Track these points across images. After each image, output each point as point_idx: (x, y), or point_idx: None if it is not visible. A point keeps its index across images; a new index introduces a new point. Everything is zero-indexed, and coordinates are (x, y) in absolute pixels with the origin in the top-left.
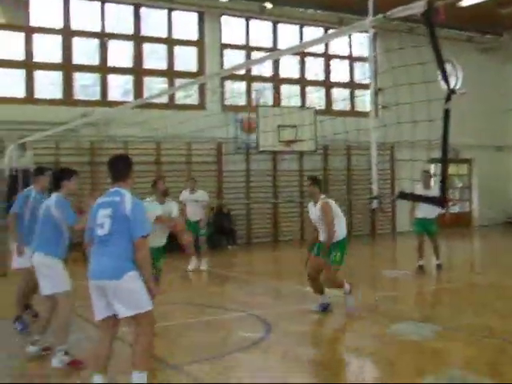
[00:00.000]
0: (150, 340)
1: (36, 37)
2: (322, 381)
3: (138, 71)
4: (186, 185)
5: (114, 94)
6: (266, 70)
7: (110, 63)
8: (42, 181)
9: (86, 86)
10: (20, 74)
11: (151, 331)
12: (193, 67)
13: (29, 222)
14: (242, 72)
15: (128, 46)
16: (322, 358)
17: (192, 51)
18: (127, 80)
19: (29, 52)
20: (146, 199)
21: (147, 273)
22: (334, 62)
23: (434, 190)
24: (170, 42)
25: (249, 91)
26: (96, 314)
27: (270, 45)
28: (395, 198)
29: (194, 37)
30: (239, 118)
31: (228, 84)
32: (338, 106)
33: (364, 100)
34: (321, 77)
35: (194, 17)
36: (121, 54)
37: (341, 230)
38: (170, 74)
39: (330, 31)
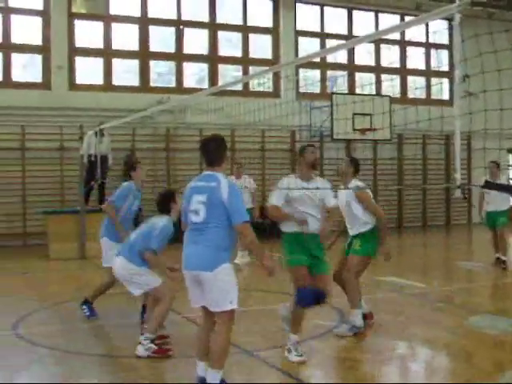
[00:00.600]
0: (229, 338)
1: (114, 25)
2: (394, 370)
3: (213, 59)
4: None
5: (189, 82)
6: (340, 57)
7: (186, 51)
8: (139, 175)
9: (161, 73)
10: (99, 62)
11: (230, 329)
12: (267, 55)
13: (123, 217)
14: (317, 59)
15: (203, 34)
16: (394, 347)
17: (266, 39)
18: (202, 67)
19: (107, 40)
20: None
21: (260, 254)
22: (410, 49)
23: (502, 181)
24: (245, 30)
25: (323, 79)
26: (192, 302)
27: (344, 32)
28: (481, 187)
29: (269, 24)
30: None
31: (302, 71)
32: (414, 94)
33: (440, 88)
34: (396, 64)
35: (268, 4)
36: (196, 41)
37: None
38: (245, 61)
39: (407, 17)
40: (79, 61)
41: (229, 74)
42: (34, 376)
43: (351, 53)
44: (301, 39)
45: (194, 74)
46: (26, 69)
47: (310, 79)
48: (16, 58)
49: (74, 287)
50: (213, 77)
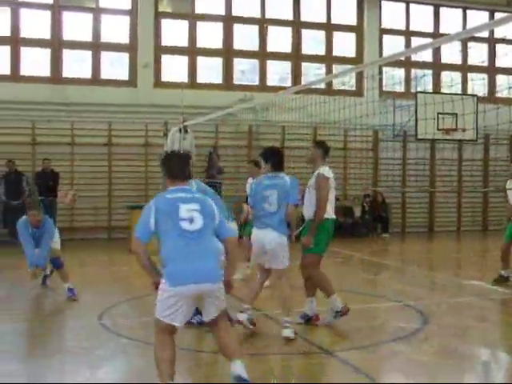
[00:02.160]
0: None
1: (199, 24)
2: (480, 380)
3: (296, 57)
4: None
5: (272, 80)
6: (426, 55)
7: (270, 49)
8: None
9: (245, 71)
10: (184, 60)
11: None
12: (351, 53)
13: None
14: (401, 58)
15: (287, 32)
16: (477, 354)
17: (350, 37)
18: (285, 66)
19: (192, 39)
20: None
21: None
22: (499, 47)
23: None
24: (329, 28)
25: (408, 77)
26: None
27: (430, 29)
28: None
29: (353, 22)
30: None
31: (386, 70)
32: (503, 93)
33: None
34: (484, 62)
35: (353, 2)
36: (280, 39)
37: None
38: (328, 59)
39: (497, 14)
40: (165, 59)
41: (312, 72)
42: (118, 367)
43: (437, 51)
44: (385, 37)
45: (277, 72)
46: (114, 67)
47: (393, 78)
48: (105, 56)
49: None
50: (296, 75)
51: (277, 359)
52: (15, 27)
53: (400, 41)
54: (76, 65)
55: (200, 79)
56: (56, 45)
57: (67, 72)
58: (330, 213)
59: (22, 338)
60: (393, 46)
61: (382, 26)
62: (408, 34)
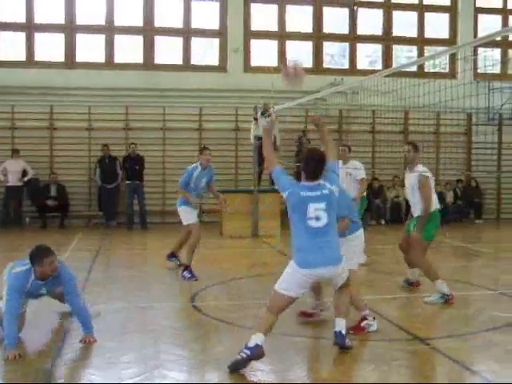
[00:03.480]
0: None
1: (288, 7)
2: None
3: (387, 39)
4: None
5: (362, 63)
6: None
7: (360, 32)
8: None
9: (335, 55)
10: (273, 44)
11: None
12: (444, 34)
13: None
14: (498, 38)
15: (377, 14)
16: None
17: (444, 17)
18: (376, 48)
19: (281, 23)
20: None
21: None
22: None
23: None
24: (421, 9)
25: (504, 58)
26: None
27: None
28: None
29: (447, 2)
30: None
31: (481, 51)
32: None
33: None
34: None
35: None
36: (370, 22)
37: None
38: (420, 41)
39: None
40: (254, 43)
41: (403, 55)
42: (209, 347)
43: None
44: (481, 16)
45: (368, 56)
46: (205, 52)
47: (489, 59)
48: (195, 42)
49: (246, 265)
50: (386, 58)
51: (368, 345)
52: (109, 16)
53: (497, 20)
54: (168, 51)
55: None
56: (148, 31)
57: (159, 58)
58: (435, 204)
59: (118, 318)
60: (489, 25)
61: (478, 5)
62: (505, 12)
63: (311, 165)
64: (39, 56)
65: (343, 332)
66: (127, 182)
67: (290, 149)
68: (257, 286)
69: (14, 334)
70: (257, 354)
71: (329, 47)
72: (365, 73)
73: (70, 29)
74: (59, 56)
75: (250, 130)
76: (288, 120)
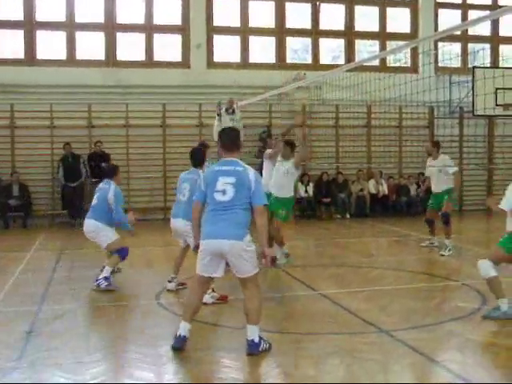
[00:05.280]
0: (261, 297)
1: (251, 3)
2: None
3: (349, 34)
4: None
5: (325, 58)
6: (483, 29)
7: (322, 27)
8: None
9: (297, 49)
10: (236, 40)
11: (259, 291)
12: (406, 28)
13: None
14: (457, 32)
15: (340, 9)
16: None
17: (405, 12)
18: (339, 43)
19: (244, 18)
20: None
21: (264, 238)
22: None
23: None
24: (382, 4)
25: (464, 52)
26: (200, 270)
27: (488, 2)
28: None
29: None
30: None
31: (442, 45)
32: None
33: None
34: None
35: None
36: (332, 16)
37: None
38: (382, 36)
39: None
40: (217, 39)
41: (365, 50)
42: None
43: (495, 24)
44: (441, 11)
45: (330, 50)
46: (166, 48)
47: (449, 53)
48: (157, 38)
49: None
50: (349, 52)
51: (333, 339)
52: (70, 12)
53: (456, 15)
54: (130, 47)
55: (252, 59)
56: (110, 28)
57: (121, 55)
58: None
59: (82, 317)
60: (449, 20)
61: (438, 0)
62: (465, 6)
63: (226, 139)
64: None
65: (256, 340)
66: (93, 179)
67: (253, 144)
68: (223, 283)
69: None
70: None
71: (292, 42)
72: (328, 67)
73: (30, 25)
74: (19, 53)
75: (213, 126)
76: (252, 116)
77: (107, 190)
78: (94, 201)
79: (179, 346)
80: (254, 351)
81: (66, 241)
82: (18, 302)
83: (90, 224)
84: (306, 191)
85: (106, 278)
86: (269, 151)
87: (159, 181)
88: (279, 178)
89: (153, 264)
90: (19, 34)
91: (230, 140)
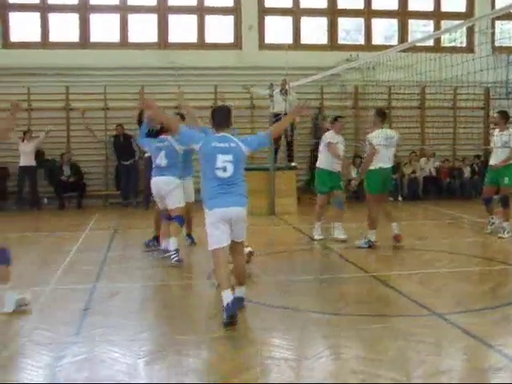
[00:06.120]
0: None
1: None
2: None
3: (402, 14)
4: None
5: (377, 38)
6: None
7: (375, 7)
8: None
9: (349, 30)
10: (287, 21)
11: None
12: (461, 7)
13: None
14: None
15: None
16: None
17: None
18: (392, 23)
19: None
20: None
21: (285, 124)
22: None
23: None
24: None
25: None
26: (216, 242)
27: None
28: None
29: None
30: None
31: (499, 24)
32: None
33: None
34: None
35: None
36: None
37: None
38: (437, 15)
39: None
40: (268, 20)
41: (419, 30)
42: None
43: None
44: None
45: (383, 31)
46: (219, 30)
47: (507, 32)
48: (209, 20)
49: (263, 242)
50: (402, 32)
51: (385, 321)
52: None
53: None
54: (182, 29)
55: (304, 40)
56: (162, 10)
57: (173, 37)
58: None
59: (135, 296)
60: None
61: None
62: None
63: (218, 116)
64: (54, 37)
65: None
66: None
67: (305, 125)
68: (273, 263)
69: None
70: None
71: (344, 23)
72: (380, 48)
73: (84, 9)
74: (74, 36)
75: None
76: (304, 97)
77: (170, 143)
78: (163, 160)
79: (234, 312)
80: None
81: (120, 220)
82: (74, 280)
83: (169, 180)
84: (357, 173)
85: (176, 251)
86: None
87: None
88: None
89: (203, 244)
90: (74, 18)
91: (222, 117)
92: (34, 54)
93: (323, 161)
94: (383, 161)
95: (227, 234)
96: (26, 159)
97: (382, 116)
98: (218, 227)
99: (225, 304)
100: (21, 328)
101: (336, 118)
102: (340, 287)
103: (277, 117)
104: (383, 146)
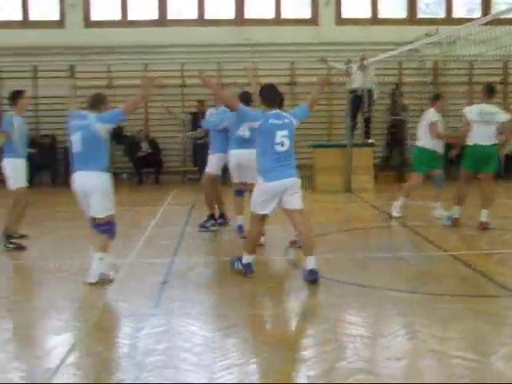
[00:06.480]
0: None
1: None
2: None
3: None
4: None
5: (459, 12)
6: None
7: None
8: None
9: (430, 4)
10: None
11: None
12: None
13: None
14: None
15: None
16: None
17: None
18: None
19: None
20: None
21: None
22: None
23: None
24: None
25: None
26: (259, 209)
27: None
28: None
29: None
30: None
31: None
32: None
33: None
34: None
35: None
36: None
37: None
38: None
39: None
40: None
41: (503, 1)
42: (303, 302)
43: None
44: None
45: (465, 3)
46: (295, 5)
47: None
48: None
49: (339, 219)
50: (485, 5)
51: (464, 301)
52: None
53: None
54: (258, 5)
55: (382, 14)
56: None
57: (250, 13)
58: None
59: (211, 270)
60: None
61: None
62: None
63: (271, 93)
64: (133, 15)
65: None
66: None
67: (383, 102)
68: (349, 240)
69: None
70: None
71: None
72: (462, 22)
73: None
74: (152, 14)
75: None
76: (382, 73)
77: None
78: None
79: (251, 269)
80: (317, 277)
81: (197, 196)
82: (152, 255)
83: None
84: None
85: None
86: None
87: None
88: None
89: (279, 220)
90: None
91: (274, 95)
92: (114, 32)
93: (425, 140)
94: (479, 137)
95: (274, 205)
96: None
97: (486, 91)
98: (269, 199)
99: (245, 261)
100: (101, 299)
101: (437, 96)
102: (417, 265)
103: (354, 93)
104: (479, 122)
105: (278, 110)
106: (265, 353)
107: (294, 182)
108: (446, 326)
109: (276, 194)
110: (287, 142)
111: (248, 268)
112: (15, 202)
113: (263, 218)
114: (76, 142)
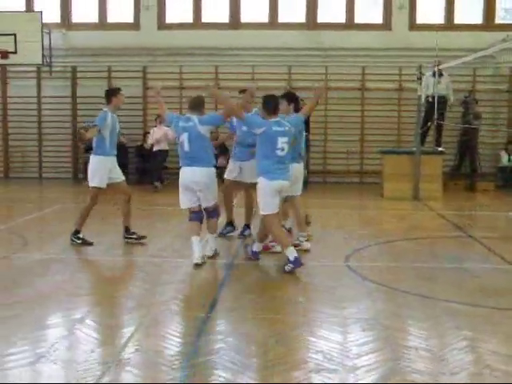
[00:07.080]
0: None
1: None
2: None
3: None
4: None
5: None
6: None
7: None
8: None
9: (509, 8)
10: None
11: None
12: None
13: None
14: None
15: None
16: None
17: None
18: None
19: None
20: None
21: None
22: None
23: None
24: None
25: None
26: (272, 209)
27: None
28: None
29: None
30: None
31: None
32: None
33: None
34: None
35: None
36: None
37: None
38: None
39: None
40: (420, 0)
41: None
42: (363, 309)
43: None
44: None
45: None
46: (367, 10)
47: None
48: (358, 0)
49: (405, 227)
50: None
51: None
52: None
53: None
54: (330, 10)
55: (457, 20)
56: None
57: (322, 17)
58: None
59: (271, 272)
60: None
61: None
62: None
63: (273, 103)
64: (206, 18)
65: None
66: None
67: (455, 109)
68: (414, 249)
69: None
70: (300, 263)
71: (503, 1)
72: None
73: None
74: (225, 17)
75: (419, 88)
76: (455, 80)
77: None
78: None
79: (300, 265)
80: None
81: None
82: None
83: None
84: (509, 160)
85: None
86: None
87: (355, 144)
88: None
89: (344, 226)
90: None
91: (276, 104)
92: (186, 34)
93: None
94: None
95: (278, 202)
96: (158, 144)
97: None
98: (273, 196)
99: (292, 258)
100: (161, 296)
101: None
102: (481, 278)
103: (426, 99)
104: None
105: (277, 118)
106: (317, 358)
107: (288, 185)
108: (508, 342)
109: (276, 191)
110: (286, 148)
111: (297, 261)
112: (91, 199)
113: (276, 215)
114: (184, 141)
